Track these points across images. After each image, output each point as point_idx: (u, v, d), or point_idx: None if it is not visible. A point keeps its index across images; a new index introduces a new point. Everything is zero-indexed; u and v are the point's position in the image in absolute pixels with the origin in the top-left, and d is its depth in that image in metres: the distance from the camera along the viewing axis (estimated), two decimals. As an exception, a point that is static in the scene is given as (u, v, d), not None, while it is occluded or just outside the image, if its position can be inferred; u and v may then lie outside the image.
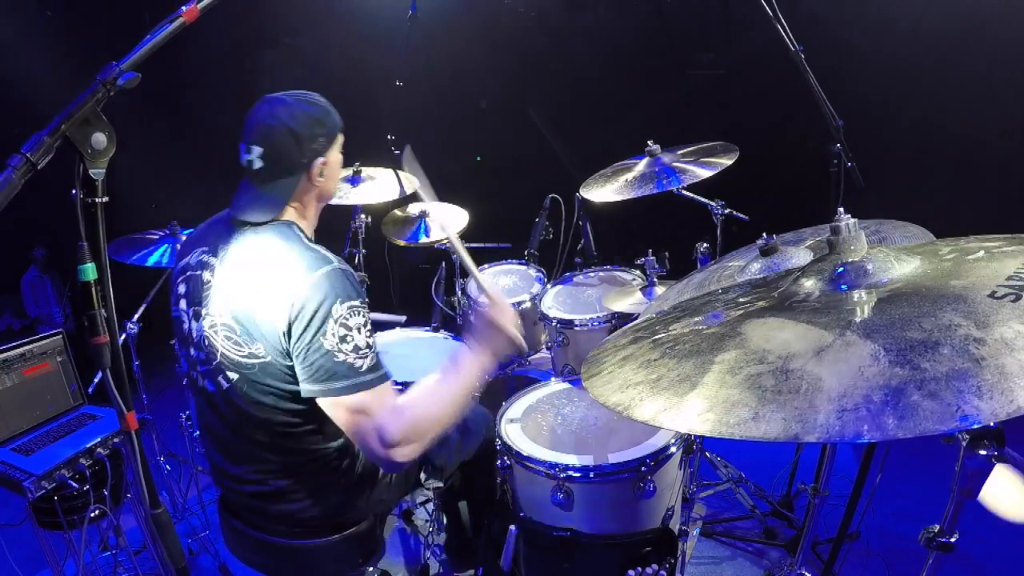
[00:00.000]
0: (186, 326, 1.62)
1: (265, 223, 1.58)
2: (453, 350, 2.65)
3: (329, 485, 1.66)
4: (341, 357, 1.43)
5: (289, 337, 1.45)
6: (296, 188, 1.59)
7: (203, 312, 1.56)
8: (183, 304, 1.63)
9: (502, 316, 1.68)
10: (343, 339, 1.43)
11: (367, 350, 1.46)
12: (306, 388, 1.47)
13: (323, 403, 1.48)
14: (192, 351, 1.61)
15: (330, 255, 1.52)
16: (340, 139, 1.68)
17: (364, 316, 1.48)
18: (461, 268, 3.26)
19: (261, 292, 1.47)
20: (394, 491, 1.82)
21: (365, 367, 1.45)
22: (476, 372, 1.63)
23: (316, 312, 1.42)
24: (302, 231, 1.60)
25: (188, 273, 1.63)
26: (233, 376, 1.54)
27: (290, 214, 1.62)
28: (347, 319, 1.44)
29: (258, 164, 1.55)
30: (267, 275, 1.49)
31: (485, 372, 1.65)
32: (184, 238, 1.70)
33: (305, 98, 1.61)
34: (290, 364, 1.48)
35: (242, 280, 1.52)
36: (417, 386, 1.58)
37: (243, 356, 1.51)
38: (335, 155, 1.67)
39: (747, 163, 2.58)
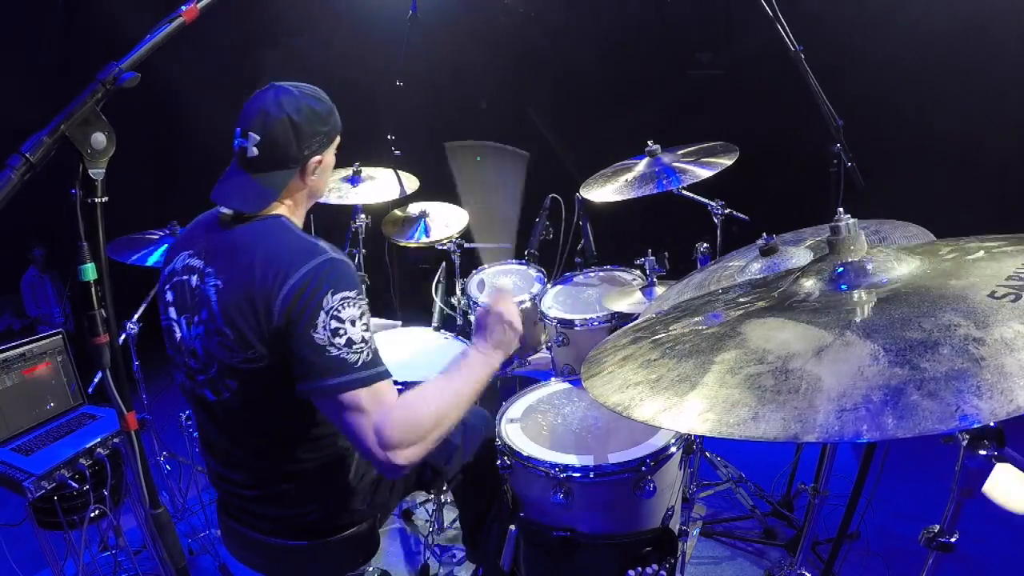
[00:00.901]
0: (178, 335, 1.54)
1: (254, 218, 1.52)
2: (457, 351, 2.67)
3: (330, 490, 1.65)
4: (333, 352, 1.35)
5: (283, 334, 1.38)
6: (289, 182, 1.55)
7: (196, 319, 1.49)
8: (173, 312, 1.55)
9: (508, 309, 1.66)
10: (335, 332, 1.36)
11: (362, 344, 1.38)
12: (299, 388, 1.39)
13: (318, 403, 1.41)
14: (189, 360, 1.54)
15: (324, 245, 1.46)
16: (337, 141, 1.65)
17: (359, 308, 1.41)
18: (462, 267, 3.26)
19: (252, 290, 1.40)
20: (395, 494, 1.82)
21: (360, 362, 1.37)
22: (483, 370, 1.59)
23: (307, 304, 1.36)
24: (292, 223, 1.55)
25: (175, 279, 1.56)
26: (233, 384, 1.48)
27: (280, 209, 1.57)
28: (339, 311, 1.37)
29: (253, 152, 1.49)
30: (257, 272, 1.41)
31: (493, 369, 1.61)
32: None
33: (312, 93, 1.58)
34: (288, 364, 1.41)
35: (232, 281, 1.44)
36: (420, 385, 1.53)
37: (241, 362, 1.44)
38: (330, 156, 1.64)
39: (747, 163, 2.58)
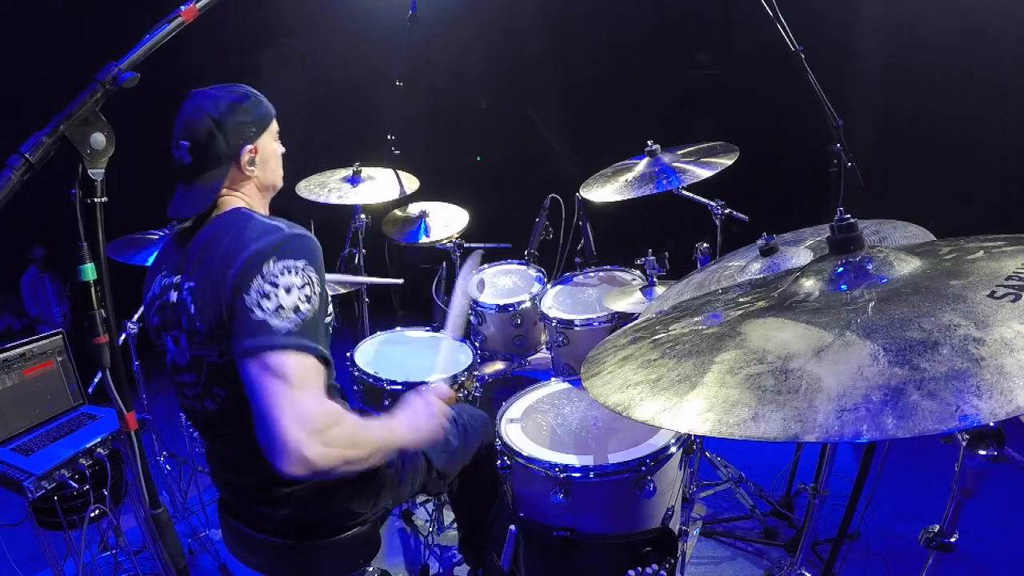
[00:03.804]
0: (170, 355, 1.57)
1: (213, 217, 1.53)
2: (457, 351, 2.67)
3: (333, 490, 1.65)
4: (257, 314, 1.29)
5: (230, 310, 1.35)
6: (226, 177, 1.55)
7: (182, 332, 1.49)
8: (163, 335, 1.57)
9: (442, 406, 1.67)
10: (265, 295, 1.31)
11: (294, 314, 1.32)
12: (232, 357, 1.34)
13: (241, 374, 1.31)
14: (183, 376, 1.55)
15: (283, 224, 1.44)
16: (273, 128, 1.64)
17: (302, 279, 1.35)
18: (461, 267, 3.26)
19: (215, 278, 1.39)
20: (397, 496, 1.82)
21: (286, 330, 1.30)
22: (401, 439, 1.54)
23: (248, 273, 1.33)
24: (253, 211, 1.55)
25: (156, 303, 1.57)
26: (222, 385, 1.48)
27: (236, 202, 1.57)
28: (276, 277, 1.33)
29: (188, 159, 1.52)
30: (220, 261, 1.39)
31: (403, 444, 1.56)
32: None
33: (230, 88, 1.58)
34: None
35: (200, 277, 1.44)
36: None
37: (219, 357, 1.43)
38: (267, 143, 1.62)
39: (747, 163, 2.58)
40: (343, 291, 2.85)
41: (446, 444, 1.94)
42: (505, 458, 1.91)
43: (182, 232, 1.57)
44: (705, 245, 2.54)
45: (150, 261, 2.79)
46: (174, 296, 1.50)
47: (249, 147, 1.56)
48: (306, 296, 1.35)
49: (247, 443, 1.55)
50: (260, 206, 1.65)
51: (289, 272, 1.35)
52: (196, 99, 1.54)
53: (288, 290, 1.33)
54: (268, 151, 1.63)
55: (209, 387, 1.51)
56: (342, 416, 1.35)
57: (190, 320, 1.45)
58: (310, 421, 1.25)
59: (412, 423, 1.59)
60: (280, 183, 1.72)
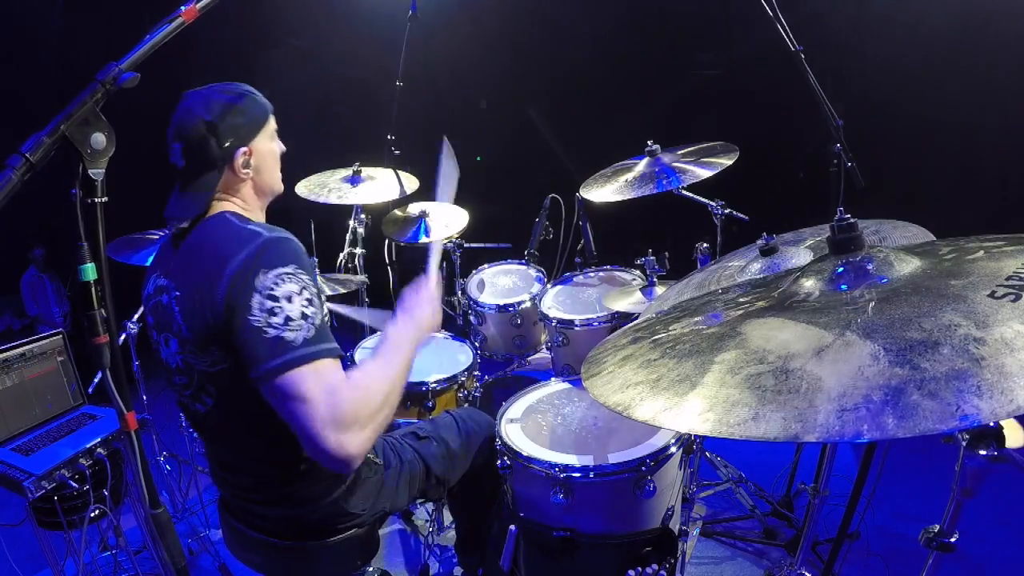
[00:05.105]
0: (163, 354, 1.56)
1: (200, 222, 1.50)
2: (458, 351, 2.67)
3: (331, 492, 1.65)
4: (271, 332, 1.29)
5: (227, 327, 1.33)
6: (219, 181, 1.52)
7: (172, 336, 1.49)
8: (155, 334, 1.57)
9: (436, 291, 1.68)
10: (271, 311, 1.29)
11: (301, 320, 1.31)
12: (249, 378, 1.32)
13: (264, 391, 1.32)
14: (174, 377, 1.55)
15: (263, 228, 1.42)
16: (270, 126, 1.60)
17: (298, 283, 1.34)
18: (462, 267, 3.26)
19: (199, 291, 1.38)
20: (397, 500, 1.81)
21: (300, 340, 1.29)
22: (413, 345, 1.56)
23: (241, 290, 1.31)
24: (239, 216, 1.51)
25: (151, 302, 1.57)
26: (212, 391, 1.48)
27: (226, 206, 1.54)
28: (273, 289, 1.31)
29: (181, 162, 1.49)
30: (202, 272, 1.38)
31: (419, 344, 1.58)
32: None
33: (222, 88, 1.54)
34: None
35: (185, 286, 1.43)
36: (361, 365, 1.47)
37: (209, 367, 1.43)
38: (264, 144, 1.58)
39: (747, 163, 2.58)
40: (343, 291, 2.85)
41: (446, 450, 1.94)
42: (505, 458, 1.91)
43: (178, 233, 1.55)
44: (705, 245, 2.54)
45: (150, 261, 2.81)
46: (165, 299, 1.50)
47: (243, 149, 1.53)
48: (307, 300, 1.35)
49: (239, 444, 1.57)
50: (256, 210, 1.62)
51: (284, 281, 1.33)
52: (188, 101, 1.50)
53: (290, 299, 1.32)
54: (264, 151, 1.59)
55: (199, 392, 1.51)
56: (365, 392, 1.35)
57: (179, 328, 1.45)
58: (342, 418, 1.28)
59: (410, 333, 1.57)
60: (279, 186, 1.67)
